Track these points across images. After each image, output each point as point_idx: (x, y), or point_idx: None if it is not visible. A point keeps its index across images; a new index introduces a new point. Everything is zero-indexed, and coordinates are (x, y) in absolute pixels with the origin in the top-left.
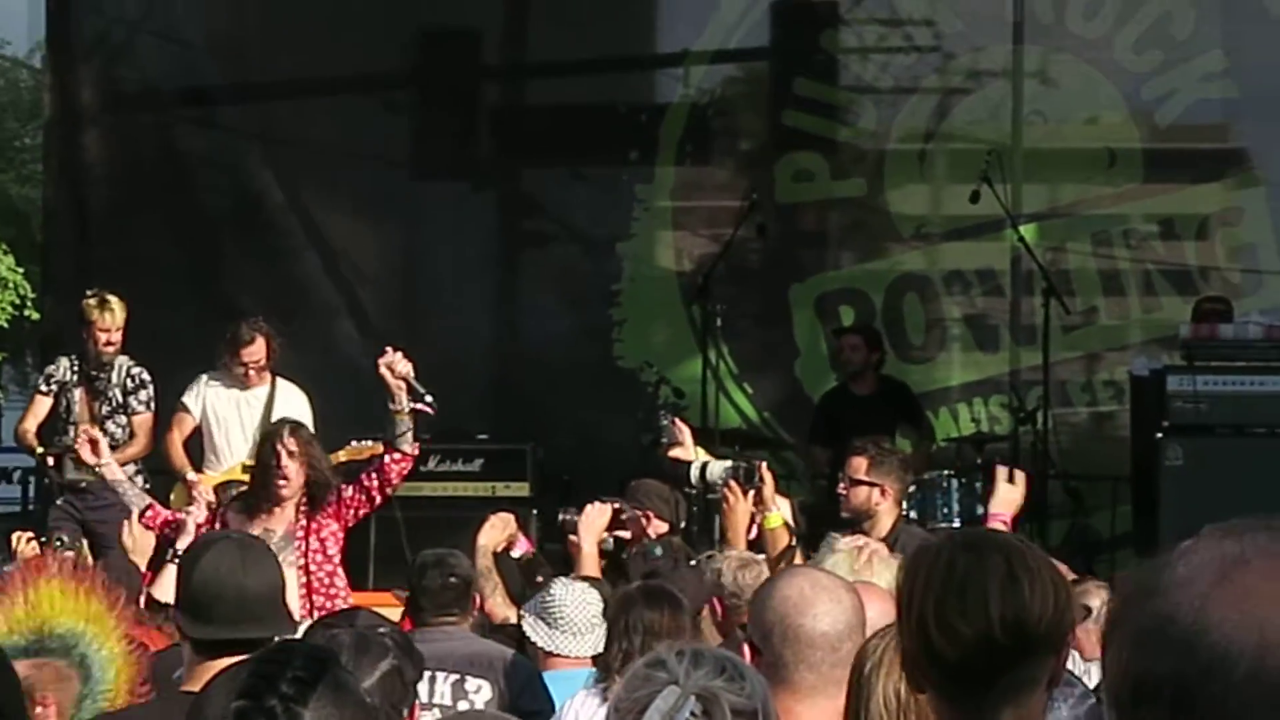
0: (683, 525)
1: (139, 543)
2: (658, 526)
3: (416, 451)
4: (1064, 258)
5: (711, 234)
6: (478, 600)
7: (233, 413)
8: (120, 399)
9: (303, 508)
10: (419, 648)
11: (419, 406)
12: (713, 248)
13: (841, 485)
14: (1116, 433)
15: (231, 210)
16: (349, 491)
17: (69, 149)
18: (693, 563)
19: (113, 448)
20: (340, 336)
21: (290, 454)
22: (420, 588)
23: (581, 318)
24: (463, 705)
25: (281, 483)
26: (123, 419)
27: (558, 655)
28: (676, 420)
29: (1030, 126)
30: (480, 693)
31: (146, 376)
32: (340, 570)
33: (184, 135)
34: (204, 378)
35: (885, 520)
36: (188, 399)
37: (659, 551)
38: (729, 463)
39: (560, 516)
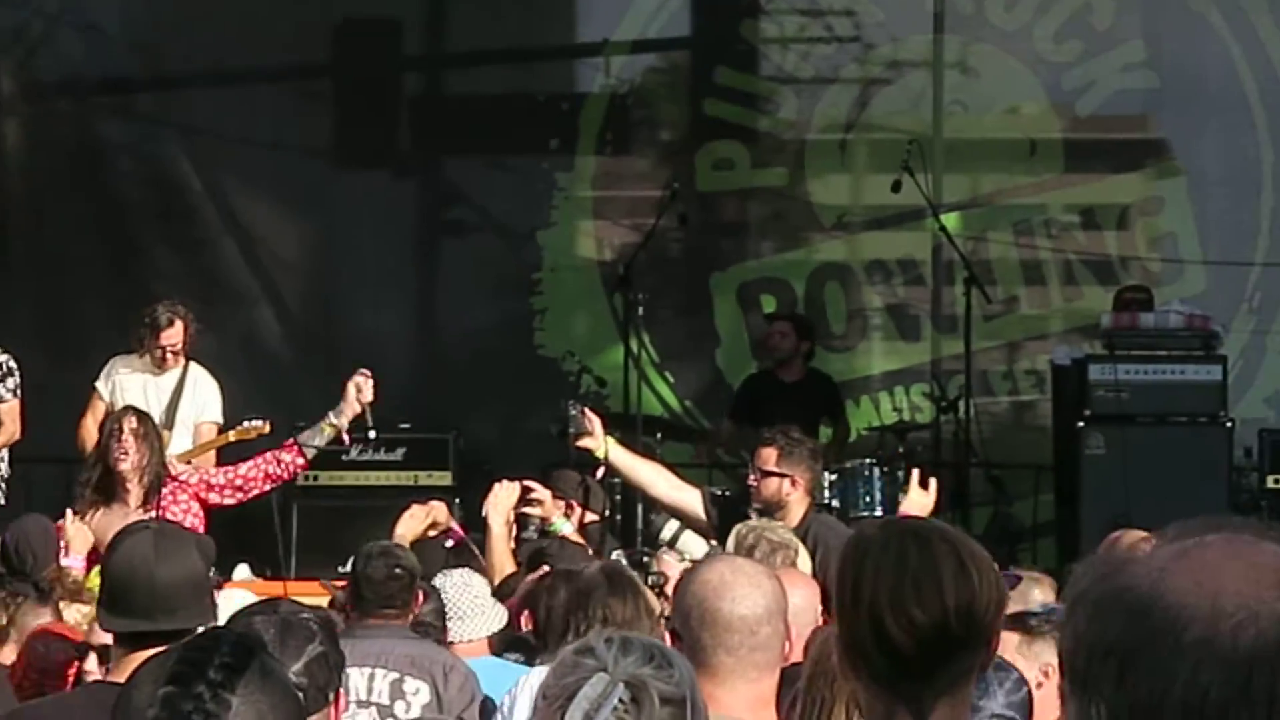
0: (607, 514)
1: (76, 537)
2: (587, 516)
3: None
4: (985, 247)
5: (632, 223)
6: (420, 598)
7: (139, 395)
8: None
9: (147, 498)
10: (360, 644)
11: (354, 435)
12: (634, 237)
13: (752, 477)
14: (1038, 421)
15: (150, 200)
16: (220, 478)
17: None
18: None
19: None
20: (258, 324)
21: (132, 430)
22: (364, 577)
23: (502, 307)
24: (399, 705)
25: (121, 456)
26: None
27: (455, 643)
28: (585, 410)
29: (951, 116)
30: (418, 695)
31: (13, 364)
32: None
33: (102, 125)
34: (114, 360)
35: (796, 510)
36: (99, 383)
37: (532, 530)
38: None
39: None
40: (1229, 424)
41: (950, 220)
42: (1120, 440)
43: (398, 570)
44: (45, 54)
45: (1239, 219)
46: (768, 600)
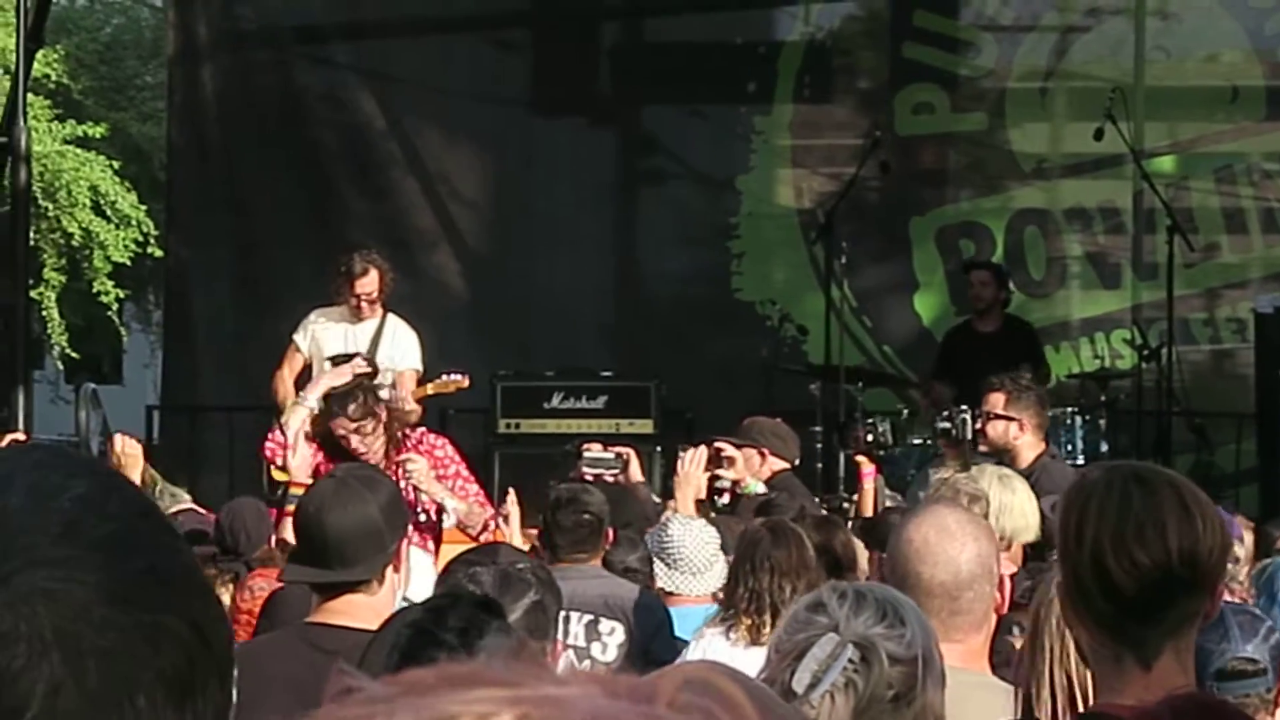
0: (798, 462)
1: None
2: (773, 464)
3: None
4: (1186, 194)
5: (831, 171)
6: (610, 536)
7: (339, 345)
8: None
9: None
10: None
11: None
12: (832, 185)
13: (979, 421)
14: (1240, 369)
15: (347, 149)
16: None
17: (189, 87)
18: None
19: None
20: (454, 274)
21: (357, 432)
22: (554, 524)
23: (700, 254)
24: (596, 646)
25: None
26: None
27: (677, 594)
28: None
29: (1151, 63)
30: (614, 635)
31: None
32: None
33: (300, 74)
34: (313, 314)
35: (1026, 454)
36: (298, 335)
37: (758, 489)
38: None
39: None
40: None
41: (1152, 167)
42: None
43: (586, 516)
44: (244, 3)
45: None
46: (971, 564)
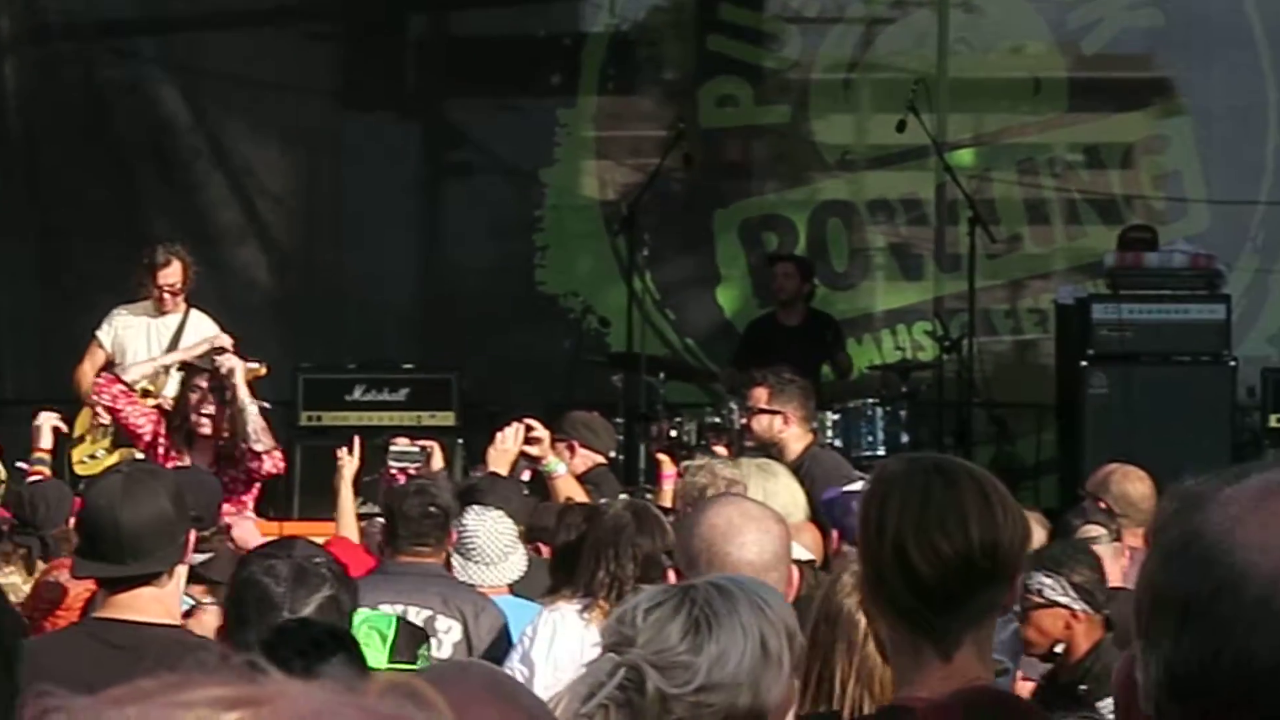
0: (612, 455)
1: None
2: (586, 456)
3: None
4: (989, 186)
5: (635, 163)
6: (453, 535)
7: (141, 339)
8: None
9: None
10: (393, 581)
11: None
12: (636, 176)
13: (744, 416)
14: (1041, 361)
15: (152, 143)
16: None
17: None
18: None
19: None
20: (259, 266)
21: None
22: (400, 513)
23: (505, 246)
24: (432, 643)
25: (203, 421)
26: None
27: (472, 586)
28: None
29: (955, 55)
30: (450, 633)
31: None
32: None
33: (105, 67)
34: (117, 310)
35: (793, 446)
36: (101, 331)
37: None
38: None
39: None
40: (1232, 363)
41: (954, 159)
42: (1123, 379)
43: (432, 509)
44: None
45: (1243, 157)
46: (775, 545)
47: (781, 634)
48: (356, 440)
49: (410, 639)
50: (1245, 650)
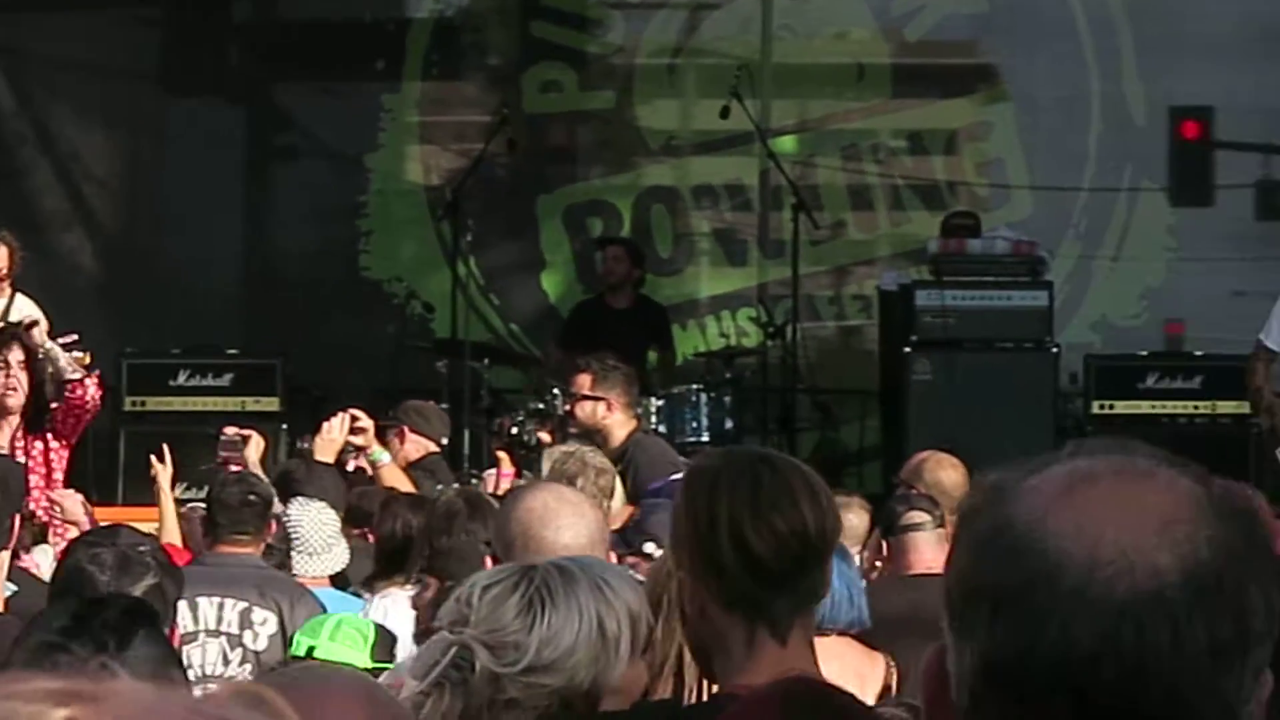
0: (444, 443)
1: None
2: (417, 442)
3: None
4: (813, 172)
5: (460, 148)
6: (273, 526)
7: None
8: None
9: (21, 426)
10: (211, 572)
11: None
12: (461, 162)
13: (568, 403)
14: (865, 347)
15: None
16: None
17: None
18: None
19: None
20: (83, 251)
21: (20, 362)
22: (219, 500)
23: (329, 231)
24: (248, 635)
25: (9, 393)
26: None
27: (298, 575)
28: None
29: (779, 41)
30: (266, 625)
31: None
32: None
33: None
34: None
35: (617, 433)
36: None
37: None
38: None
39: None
40: (1055, 349)
41: (778, 145)
42: (946, 365)
43: (252, 497)
44: None
45: (1066, 145)
46: (591, 530)
47: (623, 616)
48: (166, 448)
49: (386, 641)
50: (1063, 640)
